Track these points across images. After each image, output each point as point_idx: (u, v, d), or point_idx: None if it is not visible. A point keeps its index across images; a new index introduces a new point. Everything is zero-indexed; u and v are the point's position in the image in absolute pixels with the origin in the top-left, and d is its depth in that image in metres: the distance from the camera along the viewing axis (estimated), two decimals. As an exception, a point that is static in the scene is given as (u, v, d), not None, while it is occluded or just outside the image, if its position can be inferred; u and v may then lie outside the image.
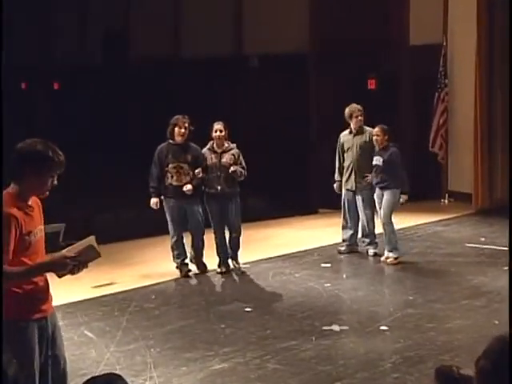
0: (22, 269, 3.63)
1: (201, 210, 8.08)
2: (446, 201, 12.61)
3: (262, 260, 8.91)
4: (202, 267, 8.26)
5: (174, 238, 8.08)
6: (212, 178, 8.06)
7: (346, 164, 8.91)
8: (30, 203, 3.76)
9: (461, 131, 12.41)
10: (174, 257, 8.17)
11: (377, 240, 9.01)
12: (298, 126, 12.98)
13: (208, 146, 8.17)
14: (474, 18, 11.65)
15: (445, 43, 12.25)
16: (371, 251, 8.99)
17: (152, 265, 8.68)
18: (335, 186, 9.07)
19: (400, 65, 12.85)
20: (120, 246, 9.41)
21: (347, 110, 8.83)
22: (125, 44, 17.08)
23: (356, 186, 8.83)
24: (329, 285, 7.87)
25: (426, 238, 10.04)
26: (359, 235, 9.09)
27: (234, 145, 8.19)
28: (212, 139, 8.15)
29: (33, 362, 3.69)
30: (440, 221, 11.09)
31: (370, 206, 8.84)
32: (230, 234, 8.27)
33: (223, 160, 8.06)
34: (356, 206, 8.93)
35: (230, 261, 8.37)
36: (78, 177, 10.69)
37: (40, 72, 16.91)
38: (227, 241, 8.32)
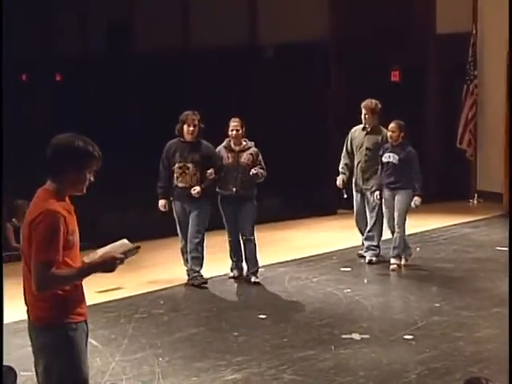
0: (74, 271, 3.68)
1: (206, 214, 7.88)
2: (475, 201, 12.58)
3: (277, 264, 8.92)
4: (200, 278, 7.95)
5: (183, 242, 8.08)
6: (228, 178, 7.96)
7: (355, 161, 8.85)
8: (67, 201, 3.81)
9: (491, 126, 12.37)
10: (184, 260, 8.17)
11: (377, 247, 8.92)
12: (316, 121, 12.95)
13: (224, 144, 8.07)
14: (506, 3, 11.58)
15: (474, 31, 12.21)
16: (368, 258, 8.88)
17: (160, 269, 8.71)
18: (340, 178, 8.88)
19: (426, 55, 12.81)
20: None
21: (362, 104, 8.83)
22: (130, 34, 17.13)
23: (364, 188, 8.80)
24: (349, 290, 7.87)
25: (453, 241, 10.01)
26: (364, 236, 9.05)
27: (252, 143, 8.06)
28: (227, 136, 8.06)
29: (86, 364, 3.78)
30: (468, 222, 11.07)
31: (379, 208, 8.75)
32: (243, 241, 8.13)
33: (241, 160, 7.96)
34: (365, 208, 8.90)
35: (243, 264, 8.33)
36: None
37: (41, 63, 16.99)
38: (243, 251, 8.20)
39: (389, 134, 8.49)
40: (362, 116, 8.76)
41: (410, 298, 7.69)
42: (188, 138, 7.84)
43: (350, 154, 8.91)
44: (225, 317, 7.13)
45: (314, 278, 8.36)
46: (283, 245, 9.99)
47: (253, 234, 8.11)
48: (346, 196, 8.99)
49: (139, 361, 6.00)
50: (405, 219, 8.50)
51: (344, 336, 6.53)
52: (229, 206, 8.07)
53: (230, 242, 8.27)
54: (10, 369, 4.88)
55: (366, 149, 8.74)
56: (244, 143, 8.03)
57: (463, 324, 6.81)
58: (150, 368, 5.85)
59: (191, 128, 7.81)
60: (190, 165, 7.83)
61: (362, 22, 12.72)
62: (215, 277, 8.35)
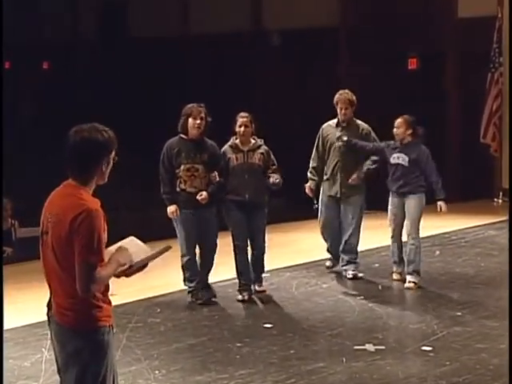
0: (110, 271, 3.79)
1: (217, 223, 7.67)
2: (500, 200, 12.57)
3: (283, 268, 8.93)
4: (209, 293, 7.77)
5: (187, 257, 7.63)
6: (238, 183, 7.62)
7: (329, 164, 8.39)
8: None
9: (517, 119, 12.35)
10: (185, 279, 7.78)
11: (358, 260, 8.61)
12: (325, 113, 12.94)
13: (230, 143, 7.72)
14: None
15: (500, 15, 12.19)
16: (350, 273, 8.46)
17: (157, 273, 8.70)
18: (308, 185, 8.45)
19: (446, 41, 12.82)
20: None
21: (338, 97, 8.35)
22: (124, 19, 17.16)
23: (341, 192, 8.34)
24: (362, 297, 7.87)
25: (476, 244, 10.01)
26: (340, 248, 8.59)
27: (262, 141, 7.77)
28: (233, 134, 7.71)
29: (115, 367, 3.95)
30: (492, 223, 11.06)
31: (359, 216, 8.42)
32: (252, 251, 7.87)
33: (251, 161, 7.65)
34: (337, 217, 8.47)
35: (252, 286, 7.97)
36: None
37: (26, 50, 17.02)
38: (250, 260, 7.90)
39: (394, 130, 8.15)
40: (339, 110, 8.30)
41: (428, 306, 7.69)
42: (193, 134, 7.47)
43: (321, 156, 8.44)
44: (227, 326, 7.13)
45: (324, 284, 8.35)
46: (290, 248, 9.99)
47: (264, 245, 7.90)
48: (316, 206, 8.55)
49: (134, 374, 6.00)
50: (419, 229, 8.18)
51: (357, 347, 6.52)
52: (238, 213, 7.70)
53: (236, 256, 7.82)
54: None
55: (344, 146, 8.25)
56: (253, 141, 7.70)
57: (487, 335, 6.80)
58: (146, 382, 5.85)
59: (198, 121, 7.43)
60: (199, 166, 7.49)
61: (375, 5, 12.73)
62: (216, 282, 8.35)
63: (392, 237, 8.32)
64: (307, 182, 8.55)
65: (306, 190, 8.47)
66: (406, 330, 6.97)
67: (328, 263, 8.87)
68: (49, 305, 3.93)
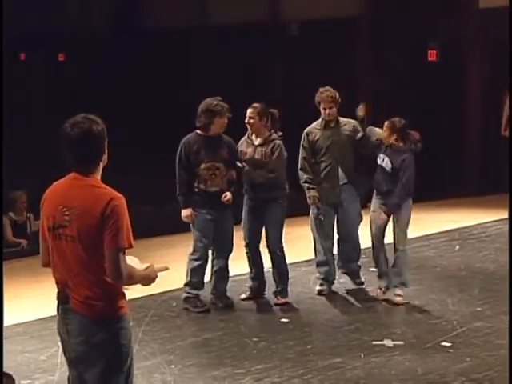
0: (141, 276, 3.94)
1: (232, 223, 7.49)
2: (521, 194, 12.48)
3: (300, 263, 8.91)
4: (225, 300, 7.51)
5: (199, 262, 7.32)
6: (247, 178, 7.47)
7: (322, 169, 7.70)
8: None
9: (539, 111, 12.27)
10: (188, 284, 7.40)
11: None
12: (345, 105, 12.90)
13: (246, 136, 7.58)
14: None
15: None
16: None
17: (173, 267, 8.67)
18: (311, 194, 7.66)
19: (466, 32, 12.73)
20: (135, 244, 9.45)
21: (320, 96, 7.70)
22: (139, 9, 17.16)
23: (340, 197, 7.73)
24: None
25: (496, 239, 9.95)
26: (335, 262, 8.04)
27: (277, 135, 7.51)
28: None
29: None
30: (513, 218, 10.98)
31: (358, 222, 7.86)
32: (270, 252, 7.61)
33: (257, 157, 7.43)
34: (331, 227, 7.85)
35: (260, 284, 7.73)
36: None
37: (42, 41, 17.06)
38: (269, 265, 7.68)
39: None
40: (322, 111, 7.65)
41: (448, 301, 7.66)
42: (217, 132, 7.27)
43: (312, 163, 7.72)
44: (243, 320, 7.13)
45: (342, 279, 8.32)
46: (307, 242, 9.95)
47: (279, 246, 7.61)
48: (323, 218, 7.79)
49: (149, 368, 6.02)
50: (406, 239, 7.58)
51: (375, 342, 6.51)
52: (247, 209, 7.59)
53: (246, 253, 7.72)
54: (8, 376, 4.90)
55: (340, 144, 7.66)
56: (267, 134, 7.48)
57: (507, 330, 6.73)
58: (162, 376, 5.87)
59: (226, 122, 7.23)
60: (219, 164, 7.26)
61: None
62: (232, 276, 8.35)
63: (372, 245, 7.68)
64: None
65: (311, 201, 7.69)
66: (425, 326, 6.94)
67: (320, 287, 7.92)
68: (62, 298, 3.95)
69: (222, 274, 7.50)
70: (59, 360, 6.02)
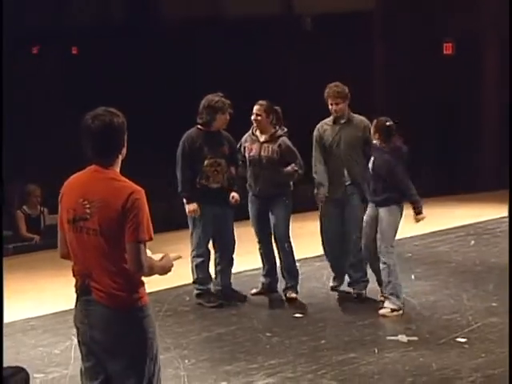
0: (159, 266, 3.98)
1: (233, 217, 7.49)
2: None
3: (314, 257, 8.90)
4: (234, 295, 7.52)
5: (201, 259, 7.37)
6: (251, 174, 7.46)
7: (329, 165, 7.56)
8: None
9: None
10: (196, 281, 7.46)
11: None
12: (360, 99, 12.88)
13: (250, 132, 7.54)
14: None
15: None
16: (357, 292, 7.57)
17: (186, 261, 8.72)
18: (322, 193, 7.52)
19: (483, 24, 12.66)
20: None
21: (329, 92, 7.52)
22: (154, 1, 17.16)
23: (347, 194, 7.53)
24: (395, 288, 7.83)
25: None
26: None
27: (283, 131, 7.47)
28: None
29: None
30: (529, 213, 10.95)
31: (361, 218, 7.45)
32: (278, 247, 7.61)
33: (263, 154, 7.40)
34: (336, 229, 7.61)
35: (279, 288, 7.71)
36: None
37: (55, 34, 17.10)
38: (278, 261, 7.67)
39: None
40: (330, 107, 7.49)
41: (463, 296, 7.64)
42: (218, 128, 7.29)
43: (321, 159, 7.57)
44: (256, 315, 7.14)
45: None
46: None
47: (287, 241, 7.56)
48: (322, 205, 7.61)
49: (163, 363, 5.92)
50: (391, 244, 7.16)
51: (389, 338, 6.51)
52: (253, 207, 7.59)
53: (259, 249, 7.76)
54: (22, 370, 4.93)
55: (347, 144, 7.48)
56: (272, 131, 7.43)
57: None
58: (175, 371, 5.88)
59: (227, 118, 7.26)
60: (221, 160, 7.28)
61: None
62: (245, 271, 8.37)
63: (364, 253, 7.41)
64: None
65: (320, 199, 7.55)
66: (440, 321, 6.93)
67: (333, 282, 7.85)
68: (82, 290, 3.97)
69: (225, 270, 7.52)
70: (73, 354, 6.05)
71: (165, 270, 4.02)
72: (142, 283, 3.98)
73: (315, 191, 7.59)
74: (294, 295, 7.53)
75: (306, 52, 14.05)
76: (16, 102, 14.60)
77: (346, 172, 7.50)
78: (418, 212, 7.18)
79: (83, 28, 16.85)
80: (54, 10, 17.11)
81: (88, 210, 3.88)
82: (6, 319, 6.63)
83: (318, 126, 7.69)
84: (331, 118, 7.63)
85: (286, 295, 7.56)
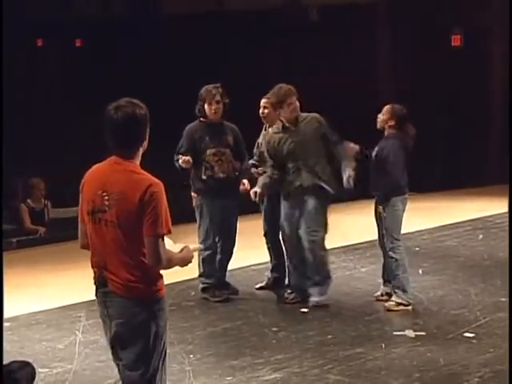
0: (178, 258, 4.03)
1: (237, 209, 7.46)
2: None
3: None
4: (227, 288, 7.47)
5: (209, 251, 7.28)
6: (262, 168, 7.42)
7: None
8: None
9: None
10: (202, 275, 7.42)
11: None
12: (365, 91, 12.90)
13: (264, 128, 7.60)
14: None
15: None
16: (314, 299, 7.16)
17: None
18: (263, 182, 7.22)
19: (493, 15, 12.62)
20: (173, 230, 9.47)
21: (281, 92, 7.16)
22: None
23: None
24: (402, 282, 7.83)
25: (521, 227, 9.91)
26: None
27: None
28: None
29: None
30: (538, 207, 10.93)
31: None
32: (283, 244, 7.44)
33: None
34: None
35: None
36: (104, 151, 10.80)
37: (59, 27, 17.11)
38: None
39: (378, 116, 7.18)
40: (285, 106, 7.15)
41: (471, 291, 7.64)
42: (212, 118, 7.30)
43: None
44: (262, 310, 7.14)
45: (363, 268, 8.34)
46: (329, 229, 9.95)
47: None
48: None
49: (168, 358, 6.03)
50: (395, 237, 7.08)
51: (396, 333, 6.50)
52: (265, 201, 7.56)
53: (266, 243, 7.75)
54: (28, 364, 4.94)
55: (302, 142, 7.12)
56: None
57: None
58: (180, 366, 5.88)
59: (213, 107, 7.21)
60: (225, 150, 7.29)
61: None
62: (252, 265, 8.38)
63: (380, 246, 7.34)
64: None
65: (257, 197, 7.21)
66: (448, 316, 6.93)
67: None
68: (100, 282, 4.00)
69: (223, 262, 7.47)
70: (77, 349, 6.08)
71: (185, 261, 4.06)
72: (161, 276, 4.00)
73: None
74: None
75: (312, 44, 14.02)
76: (20, 94, 14.61)
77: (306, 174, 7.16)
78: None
79: (87, 20, 16.86)
80: (59, 2, 17.12)
81: (106, 202, 3.90)
82: (10, 313, 6.67)
83: (259, 140, 7.60)
84: (280, 125, 7.35)
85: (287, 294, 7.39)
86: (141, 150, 4.00)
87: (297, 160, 7.13)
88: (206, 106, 7.26)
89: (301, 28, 14.31)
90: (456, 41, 12.61)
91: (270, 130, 7.44)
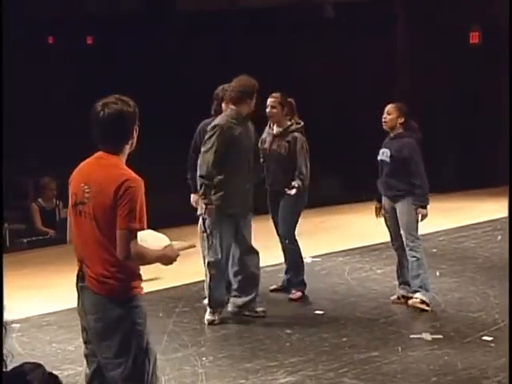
0: (154, 255, 4.04)
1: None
2: None
3: (336, 253, 8.91)
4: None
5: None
6: (265, 168, 7.38)
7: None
8: None
9: None
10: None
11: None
12: (382, 90, 12.87)
13: (268, 125, 7.55)
14: None
15: None
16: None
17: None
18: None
19: (510, 13, 12.58)
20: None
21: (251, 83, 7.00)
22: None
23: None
24: (419, 284, 7.81)
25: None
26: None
27: (298, 125, 7.37)
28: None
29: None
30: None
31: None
32: (281, 242, 7.57)
33: (273, 147, 7.36)
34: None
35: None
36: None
37: (70, 24, 17.16)
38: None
39: (383, 117, 7.14)
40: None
41: (489, 293, 7.62)
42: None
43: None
44: (276, 312, 7.14)
45: (379, 270, 8.32)
46: (343, 231, 9.96)
47: (290, 239, 7.47)
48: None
49: (180, 360, 6.06)
50: (415, 236, 7.14)
51: (413, 336, 6.50)
52: (269, 201, 7.58)
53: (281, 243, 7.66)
54: (39, 366, 4.95)
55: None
56: (288, 124, 7.36)
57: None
58: (193, 368, 5.89)
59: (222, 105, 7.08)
60: None
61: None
62: (265, 267, 8.36)
63: (393, 249, 7.41)
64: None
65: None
66: (466, 319, 6.91)
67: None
68: (80, 276, 4.08)
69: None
70: (88, 351, 6.08)
71: (165, 259, 4.08)
72: (138, 275, 4.05)
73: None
74: (295, 296, 7.44)
75: (327, 41, 14.01)
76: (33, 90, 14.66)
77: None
78: (420, 205, 7.07)
79: (98, 17, 16.91)
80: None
81: (87, 195, 4.00)
82: (21, 315, 6.70)
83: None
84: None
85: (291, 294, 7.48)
86: (127, 148, 4.08)
87: None
88: (223, 104, 7.18)
89: (315, 26, 14.30)
90: (474, 38, 12.57)
91: (274, 128, 7.44)
